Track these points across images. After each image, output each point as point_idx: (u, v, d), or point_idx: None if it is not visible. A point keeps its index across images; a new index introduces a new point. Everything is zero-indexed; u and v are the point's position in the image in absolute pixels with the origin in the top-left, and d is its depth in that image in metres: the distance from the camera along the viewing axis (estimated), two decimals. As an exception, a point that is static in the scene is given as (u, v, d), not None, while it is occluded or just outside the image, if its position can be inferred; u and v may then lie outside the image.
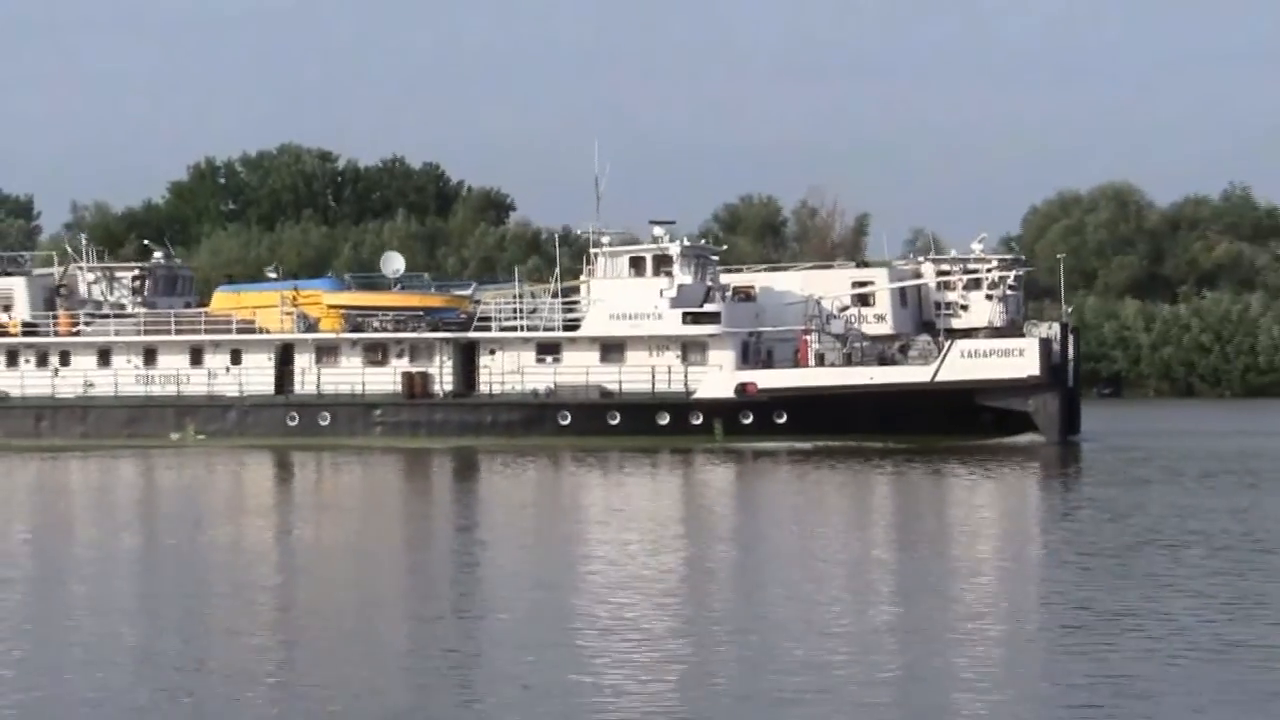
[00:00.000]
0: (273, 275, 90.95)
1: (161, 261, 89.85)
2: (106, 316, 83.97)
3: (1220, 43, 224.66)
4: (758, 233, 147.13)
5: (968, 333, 78.53)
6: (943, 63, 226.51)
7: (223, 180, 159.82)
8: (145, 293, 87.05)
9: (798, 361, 77.19)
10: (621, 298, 77.15)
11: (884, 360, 76.76)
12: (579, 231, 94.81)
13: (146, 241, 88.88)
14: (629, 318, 77.05)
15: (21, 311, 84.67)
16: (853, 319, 78.71)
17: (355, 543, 45.25)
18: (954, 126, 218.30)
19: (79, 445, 79.11)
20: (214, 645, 29.77)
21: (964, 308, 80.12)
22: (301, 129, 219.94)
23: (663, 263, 77.61)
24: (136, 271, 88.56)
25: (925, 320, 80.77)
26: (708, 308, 76.92)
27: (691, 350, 77.06)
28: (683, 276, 77.33)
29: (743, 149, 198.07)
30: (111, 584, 37.92)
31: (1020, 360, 74.35)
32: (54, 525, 50.74)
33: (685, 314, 76.54)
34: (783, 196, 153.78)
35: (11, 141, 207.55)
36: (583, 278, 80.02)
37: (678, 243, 78.07)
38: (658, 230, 78.82)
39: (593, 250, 78.88)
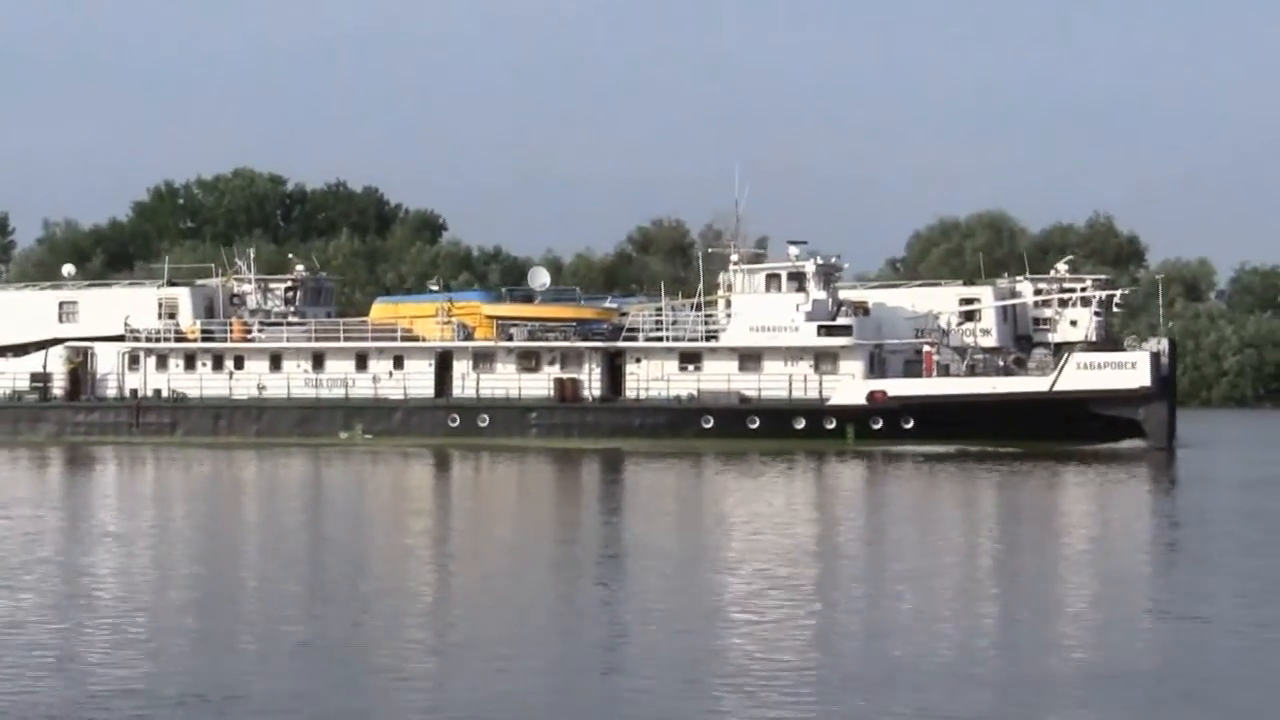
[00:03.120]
0: (434, 288, 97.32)
1: (308, 275, 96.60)
2: (278, 324, 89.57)
3: (1089, 90, 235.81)
4: (668, 254, 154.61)
5: (1064, 346, 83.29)
6: (837, 103, 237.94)
7: (181, 201, 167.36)
8: (296, 302, 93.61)
9: (922, 371, 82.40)
10: (760, 311, 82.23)
11: (1003, 371, 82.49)
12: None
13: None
14: (767, 330, 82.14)
15: (185, 318, 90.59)
16: (965, 333, 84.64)
17: (526, 526, 50.93)
18: (845, 158, 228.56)
19: (254, 443, 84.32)
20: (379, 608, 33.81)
21: (1073, 323, 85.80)
22: (254, 154, 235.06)
23: (796, 279, 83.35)
24: (289, 283, 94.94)
25: (1022, 334, 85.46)
26: (840, 321, 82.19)
27: (824, 360, 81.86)
28: (816, 292, 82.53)
29: (652, 178, 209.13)
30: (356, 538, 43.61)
31: (1133, 373, 78.74)
32: (268, 511, 56.10)
33: (820, 327, 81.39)
34: (690, 220, 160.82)
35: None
36: (721, 292, 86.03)
37: (812, 260, 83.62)
38: (793, 250, 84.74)
39: (731, 267, 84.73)
